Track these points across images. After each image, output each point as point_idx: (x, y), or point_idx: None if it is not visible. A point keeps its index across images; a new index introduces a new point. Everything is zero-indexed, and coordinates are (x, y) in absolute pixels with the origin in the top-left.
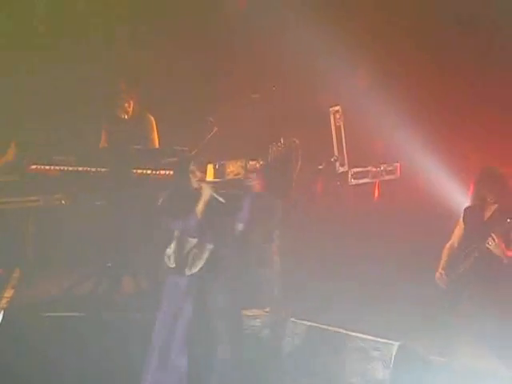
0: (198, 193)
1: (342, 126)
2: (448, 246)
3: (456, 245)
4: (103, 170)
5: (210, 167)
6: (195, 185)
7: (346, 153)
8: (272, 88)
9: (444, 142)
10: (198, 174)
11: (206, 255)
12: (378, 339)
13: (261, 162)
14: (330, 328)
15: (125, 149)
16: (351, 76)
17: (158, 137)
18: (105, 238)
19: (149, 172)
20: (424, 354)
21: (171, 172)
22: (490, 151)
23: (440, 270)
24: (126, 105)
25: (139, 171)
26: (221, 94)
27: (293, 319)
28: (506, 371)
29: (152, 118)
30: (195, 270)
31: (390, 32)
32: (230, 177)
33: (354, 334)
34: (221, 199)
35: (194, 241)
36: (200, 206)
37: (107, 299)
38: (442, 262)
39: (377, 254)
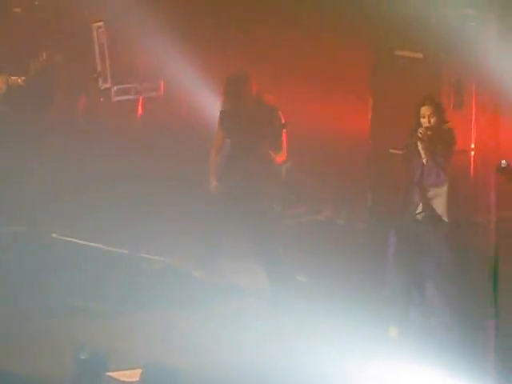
0: None
1: (105, 43)
2: (213, 152)
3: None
4: None
5: None
6: None
7: (110, 69)
8: (34, 2)
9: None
10: None
11: None
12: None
13: (23, 78)
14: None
15: None
16: None
17: None
18: None
19: None
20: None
21: None
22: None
23: (214, 181)
24: None
25: None
26: None
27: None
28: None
29: None
30: None
31: None
32: None
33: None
34: None
35: None
36: None
37: None
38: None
39: (141, 172)
